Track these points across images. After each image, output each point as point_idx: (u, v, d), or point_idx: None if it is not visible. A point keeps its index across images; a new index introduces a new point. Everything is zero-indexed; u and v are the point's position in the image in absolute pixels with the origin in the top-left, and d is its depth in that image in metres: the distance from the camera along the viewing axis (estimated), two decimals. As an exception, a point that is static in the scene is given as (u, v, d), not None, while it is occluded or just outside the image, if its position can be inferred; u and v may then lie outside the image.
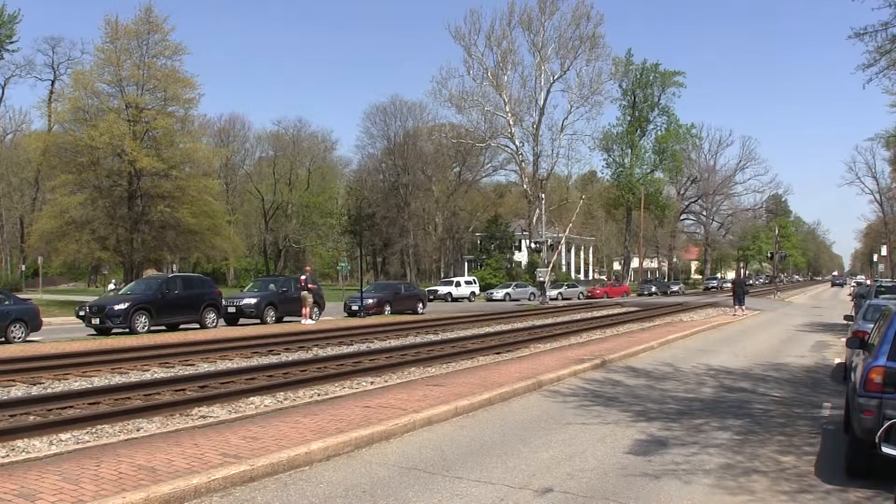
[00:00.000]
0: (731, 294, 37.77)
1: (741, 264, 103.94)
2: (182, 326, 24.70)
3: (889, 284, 28.50)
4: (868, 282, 58.63)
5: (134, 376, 13.06)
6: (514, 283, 59.18)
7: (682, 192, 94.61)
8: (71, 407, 9.82)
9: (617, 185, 78.85)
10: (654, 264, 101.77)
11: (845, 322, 20.33)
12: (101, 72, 40.37)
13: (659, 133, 78.95)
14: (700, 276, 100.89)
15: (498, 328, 24.62)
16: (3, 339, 19.74)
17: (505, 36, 56.30)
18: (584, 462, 7.56)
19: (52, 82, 63.88)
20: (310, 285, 27.50)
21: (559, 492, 6.53)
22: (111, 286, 43.99)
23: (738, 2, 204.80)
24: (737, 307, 33.43)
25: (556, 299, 53.00)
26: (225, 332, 22.78)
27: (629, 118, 77.39)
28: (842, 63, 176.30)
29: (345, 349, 17.69)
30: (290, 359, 15.45)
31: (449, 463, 7.47)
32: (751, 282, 73.66)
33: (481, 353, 16.51)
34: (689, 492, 6.61)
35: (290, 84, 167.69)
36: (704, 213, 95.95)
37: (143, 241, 38.87)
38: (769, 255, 72.12)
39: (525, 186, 58.66)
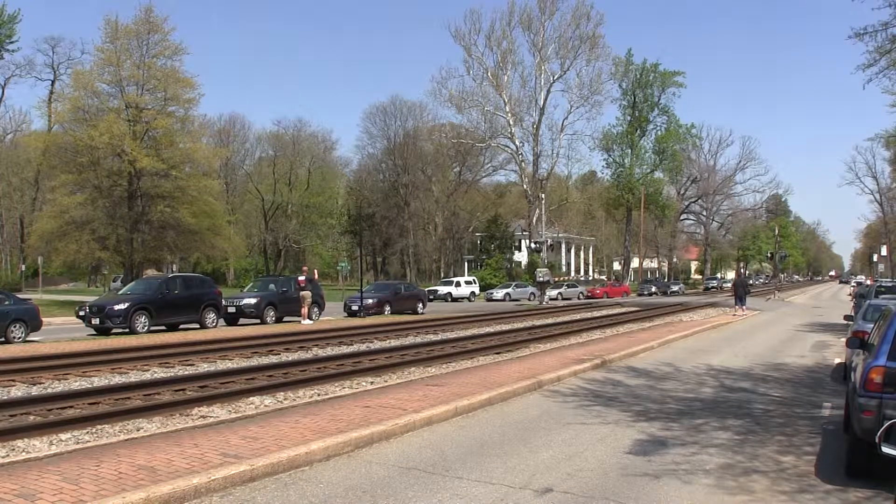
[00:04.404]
0: (730, 294, 37.73)
1: (741, 264, 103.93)
2: (182, 326, 24.70)
3: (889, 284, 28.49)
4: (868, 282, 58.64)
5: (134, 376, 13.06)
6: (514, 283, 59.20)
7: (682, 192, 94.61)
8: (71, 407, 9.82)
9: (617, 185, 78.88)
10: (654, 264, 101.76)
11: (845, 322, 20.32)
12: (101, 72, 40.32)
13: (659, 133, 79.04)
14: (700, 276, 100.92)
15: (498, 328, 24.62)
16: (3, 339, 19.74)
17: (505, 36, 56.34)
18: (585, 462, 7.56)
19: (52, 82, 63.88)
20: (303, 282, 27.51)
21: (559, 492, 6.53)
22: (116, 283, 44.13)
23: (737, 2, 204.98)
24: (737, 307, 33.43)
25: (556, 299, 53.02)
26: (225, 332, 22.78)
27: (629, 118, 77.42)
28: (842, 63, 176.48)
29: (345, 349, 17.69)
30: (290, 359, 15.45)
31: (449, 463, 7.47)
32: (751, 281, 73.53)
33: (481, 353, 16.50)
34: (689, 492, 6.61)
35: (290, 84, 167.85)
36: (704, 213, 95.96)
37: (143, 241, 38.83)
38: (769, 255, 72.19)
39: (525, 186, 58.64)
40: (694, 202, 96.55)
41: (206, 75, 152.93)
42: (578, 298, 57.45)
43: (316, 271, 33.79)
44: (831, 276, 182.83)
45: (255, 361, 15.23)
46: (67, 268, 60.47)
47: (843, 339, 14.98)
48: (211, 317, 25.15)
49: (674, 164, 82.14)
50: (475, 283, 59.65)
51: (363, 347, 18.12)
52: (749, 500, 6.43)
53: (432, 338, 20.85)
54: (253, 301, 27.59)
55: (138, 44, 39.78)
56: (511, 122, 56.51)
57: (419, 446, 8.19)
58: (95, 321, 22.74)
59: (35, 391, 11.47)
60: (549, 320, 28.51)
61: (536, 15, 55.83)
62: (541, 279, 47.30)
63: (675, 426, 9.40)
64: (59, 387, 11.86)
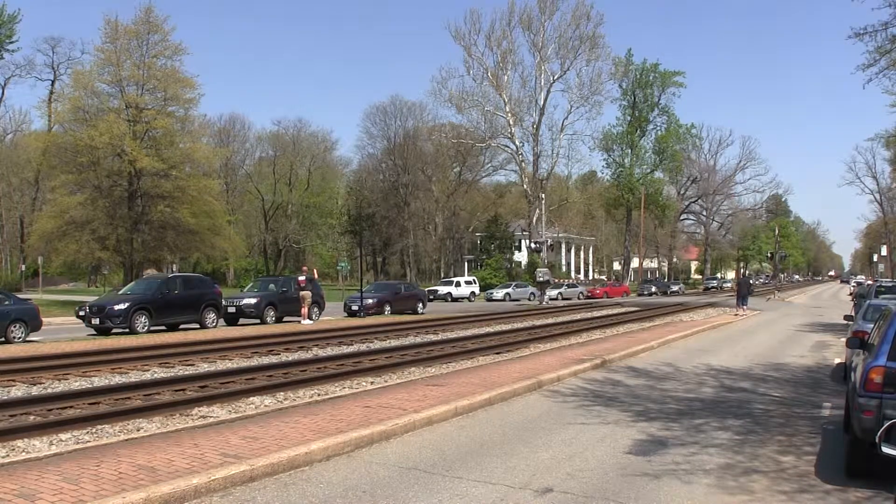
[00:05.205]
0: (731, 294, 37.67)
1: (742, 264, 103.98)
2: (182, 326, 24.70)
3: (889, 284, 28.45)
4: (868, 282, 58.65)
5: (134, 376, 13.06)
6: (514, 283, 59.18)
7: (682, 192, 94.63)
8: (71, 407, 9.81)
9: (617, 185, 78.96)
10: (654, 264, 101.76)
11: (845, 322, 20.33)
12: (101, 72, 40.32)
13: (659, 133, 79.11)
14: (700, 276, 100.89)
15: (498, 328, 24.61)
16: (3, 339, 19.73)
17: (505, 36, 56.42)
18: (585, 462, 7.56)
19: (52, 82, 63.82)
20: (303, 282, 27.52)
21: (559, 492, 6.53)
22: None
23: (737, 2, 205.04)
24: (739, 307, 33.39)
25: (556, 299, 53.01)
26: (225, 332, 22.77)
27: (629, 118, 77.48)
28: (842, 63, 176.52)
29: (345, 349, 17.69)
30: (290, 359, 15.45)
31: (449, 463, 7.47)
32: (752, 281, 73.46)
33: (481, 353, 16.50)
34: (689, 491, 6.61)
35: (290, 84, 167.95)
36: (704, 213, 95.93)
37: (143, 241, 38.82)
38: (769, 255, 72.19)
39: (525, 186, 58.70)
40: (694, 202, 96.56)
41: (206, 75, 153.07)
42: (578, 298, 57.43)
43: (316, 271, 33.91)
44: (831, 276, 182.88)
45: (255, 361, 15.23)
46: (67, 268, 60.42)
47: (843, 339, 14.99)
48: (211, 317, 25.14)
49: (674, 164, 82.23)
50: (475, 283, 59.63)
51: (363, 347, 18.11)
52: (749, 500, 6.43)
53: (432, 338, 20.84)
54: (253, 301, 27.58)
55: (138, 44, 39.79)
56: (511, 122, 56.54)
57: (419, 446, 8.19)
58: (95, 321, 22.73)
59: (35, 391, 11.47)
60: (549, 320, 28.51)
61: (536, 15, 55.97)
62: (541, 279, 47.30)
63: (675, 426, 9.40)
64: (59, 387, 11.86)
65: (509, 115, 56.29)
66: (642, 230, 78.52)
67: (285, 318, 28.39)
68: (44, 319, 22.42)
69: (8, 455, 7.20)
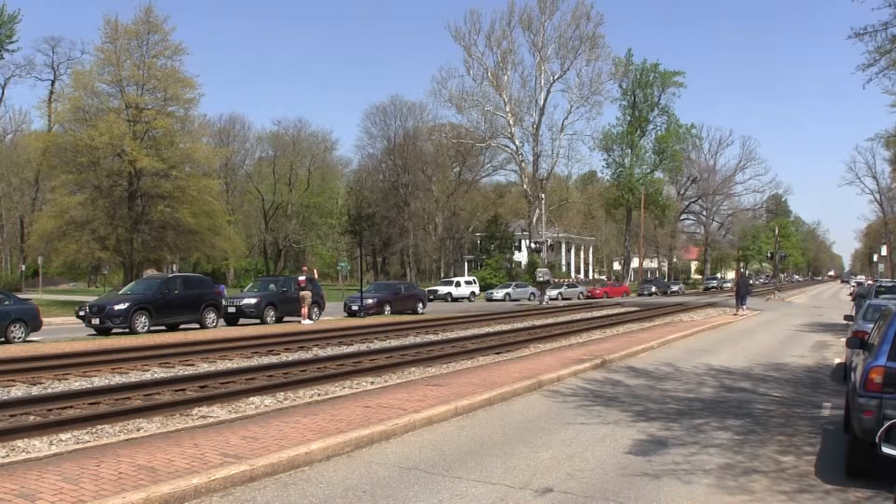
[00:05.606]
0: (731, 294, 37.60)
1: (742, 264, 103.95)
2: (182, 326, 24.70)
3: (889, 284, 28.44)
4: (868, 282, 58.60)
5: (134, 376, 13.06)
6: (514, 283, 59.19)
7: (682, 192, 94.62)
8: (71, 407, 9.81)
9: (617, 185, 78.97)
10: (654, 264, 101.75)
11: (845, 322, 20.32)
12: (101, 72, 40.35)
13: (659, 133, 79.12)
14: (700, 276, 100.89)
15: (498, 328, 24.61)
16: (3, 339, 19.73)
17: (505, 36, 56.42)
18: (585, 462, 7.56)
19: (52, 82, 63.84)
20: (303, 282, 27.50)
21: (559, 492, 6.53)
22: None
23: (737, 2, 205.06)
24: (738, 307, 33.37)
25: (556, 299, 53.01)
26: (225, 332, 22.78)
27: (629, 118, 77.48)
28: (842, 63, 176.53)
29: (345, 349, 17.69)
30: (290, 359, 15.45)
31: (449, 463, 7.47)
32: (751, 281, 73.39)
33: (481, 353, 16.50)
34: (689, 491, 6.61)
35: (290, 84, 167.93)
36: (704, 213, 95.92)
37: (143, 241, 38.83)
38: (769, 255, 72.18)
39: (525, 186, 58.71)
40: (694, 202, 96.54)
41: (206, 75, 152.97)
42: (578, 298, 57.42)
43: (316, 271, 33.96)
44: (831, 276, 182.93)
45: (255, 361, 15.23)
46: (67, 268, 60.40)
47: (843, 339, 14.98)
48: (211, 317, 25.14)
49: (674, 164, 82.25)
50: (475, 283, 59.62)
51: (363, 347, 18.11)
52: (749, 500, 6.43)
53: (432, 338, 20.84)
54: (253, 301, 27.58)
55: (138, 44, 39.81)
56: (511, 122, 56.54)
57: (419, 446, 8.19)
58: (95, 321, 22.73)
59: (35, 391, 11.47)
60: (549, 320, 28.50)
61: (536, 15, 55.98)
62: (541, 279, 47.30)
63: (675, 426, 9.40)
64: (59, 387, 11.86)
65: (509, 115, 56.29)
66: (642, 230, 78.52)
67: (285, 318, 28.39)
68: (44, 319, 22.41)
69: (8, 455, 7.20)
